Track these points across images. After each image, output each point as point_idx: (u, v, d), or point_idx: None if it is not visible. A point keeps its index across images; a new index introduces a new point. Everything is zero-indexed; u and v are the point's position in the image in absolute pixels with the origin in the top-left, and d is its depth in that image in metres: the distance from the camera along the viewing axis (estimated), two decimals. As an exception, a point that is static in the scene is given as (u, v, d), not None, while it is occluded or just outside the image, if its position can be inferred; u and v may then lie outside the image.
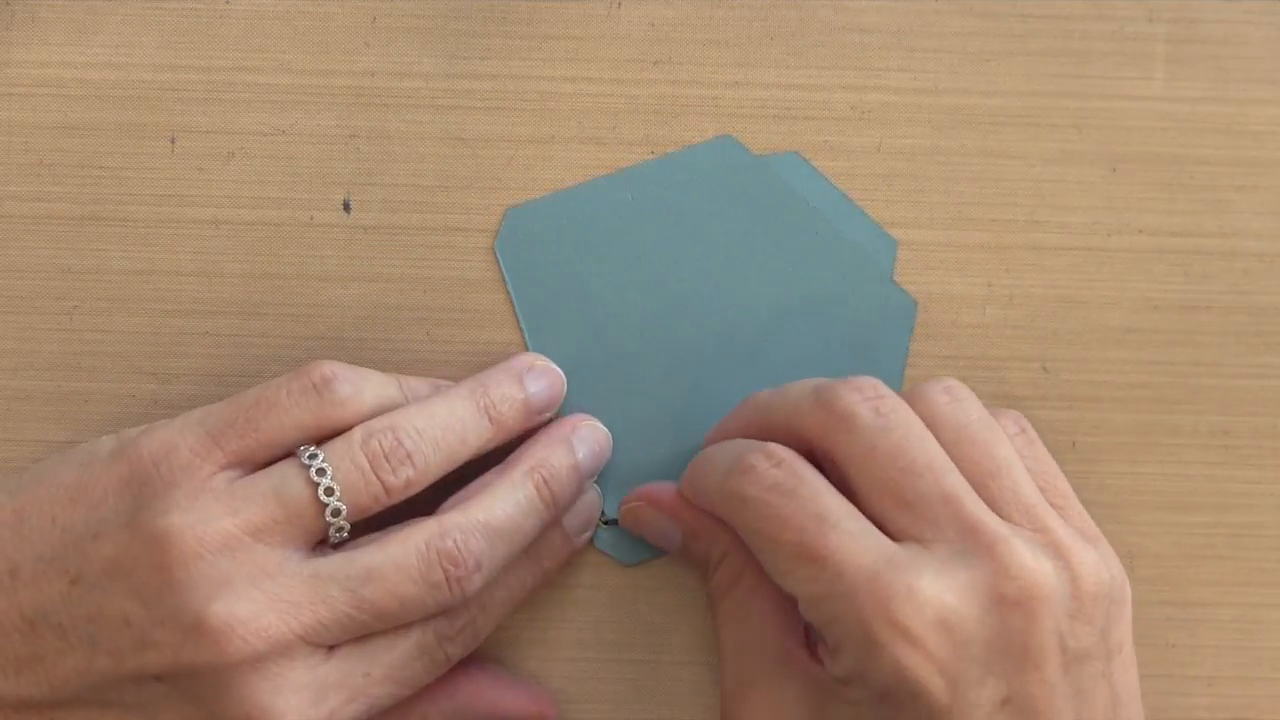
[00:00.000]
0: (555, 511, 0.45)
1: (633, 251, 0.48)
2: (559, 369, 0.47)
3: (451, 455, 0.44)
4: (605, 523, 0.48)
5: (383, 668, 0.42)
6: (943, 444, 0.42)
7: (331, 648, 0.42)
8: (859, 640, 0.39)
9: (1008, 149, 0.48)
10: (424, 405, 0.44)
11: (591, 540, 0.48)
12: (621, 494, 0.47)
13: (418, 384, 0.45)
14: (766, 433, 0.44)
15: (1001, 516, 0.41)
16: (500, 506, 0.43)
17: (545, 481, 0.44)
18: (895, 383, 0.48)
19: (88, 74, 0.48)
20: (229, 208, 0.48)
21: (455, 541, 0.42)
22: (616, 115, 0.48)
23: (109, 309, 0.48)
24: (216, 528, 0.40)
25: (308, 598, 0.41)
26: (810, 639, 0.44)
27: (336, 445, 0.42)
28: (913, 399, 0.43)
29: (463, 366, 0.48)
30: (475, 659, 0.46)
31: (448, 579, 0.42)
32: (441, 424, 0.43)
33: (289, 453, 0.42)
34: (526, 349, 0.48)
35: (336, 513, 0.42)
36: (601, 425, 0.47)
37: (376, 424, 0.43)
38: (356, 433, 0.42)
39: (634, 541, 0.48)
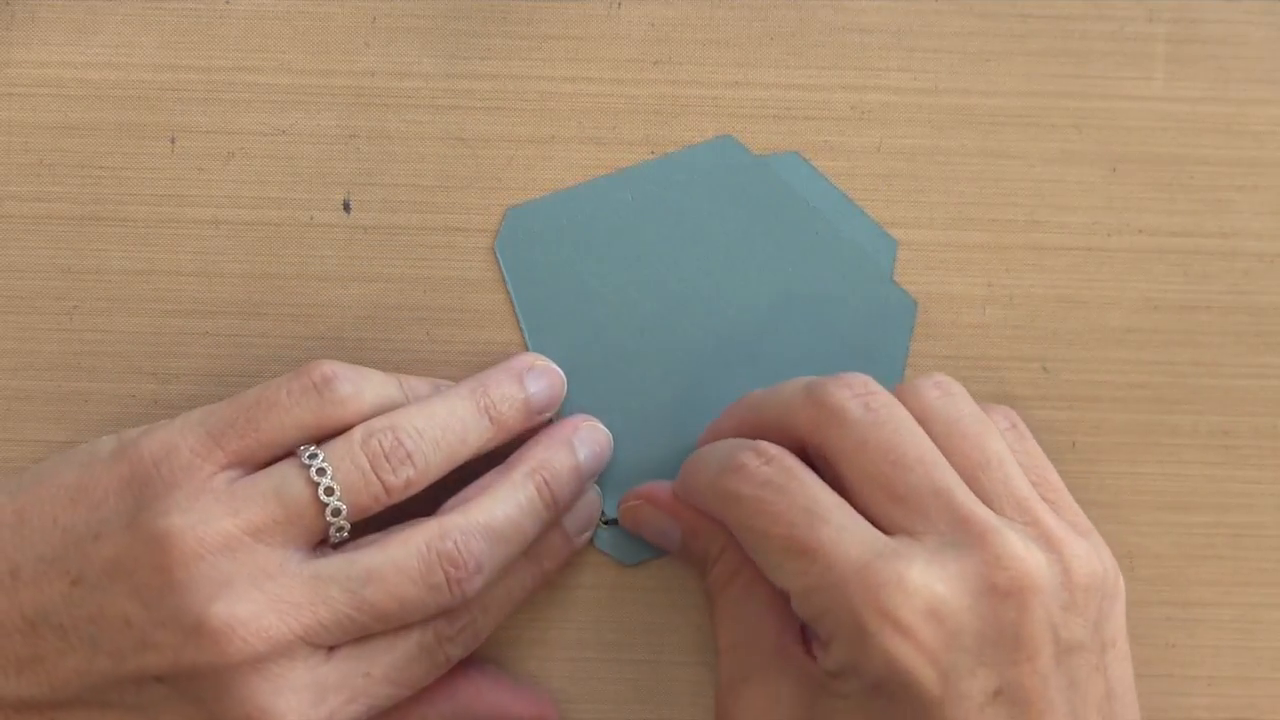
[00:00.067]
0: (556, 513, 0.45)
1: (633, 251, 0.48)
2: (559, 369, 0.47)
3: (452, 455, 0.44)
4: (605, 523, 0.48)
5: (383, 668, 0.43)
6: (934, 438, 0.42)
7: (332, 648, 0.42)
8: (850, 631, 0.39)
9: (1008, 149, 0.48)
10: (424, 405, 0.44)
11: (591, 540, 0.48)
12: (621, 494, 0.47)
13: (418, 384, 0.45)
14: (759, 431, 0.44)
15: (993, 509, 0.41)
16: (501, 508, 0.43)
17: (546, 483, 0.44)
18: (896, 383, 0.47)
19: (88, 74, 0.48)
20: (229, 208, 0.48)
21: (456, 543, 0.42)
22: (616, 115, 0.48)
23: (109, 309, 0.48)
24: (217, 528, 0.40)
25: (308, 599, 0.41)
26: (805, 635, 0.44)
27: (337, 445, 0.42)
28: (904, 394, 0.43)
29: (463, 366, 0.48)
30: (475, 661, 0.46)
31: (448, 580, 0.42)
32: (442, 424, 0.43)
33: (289, 452, 0.42)
34: (526, 349, 0.48)
35: (337, 513, 0.42)
36: (603, 426, 0.47)
37: (377, 424, 0.43)
38: (357, 432, 0.42)
39: (634, 541, 0.48)
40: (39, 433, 0.48)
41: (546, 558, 0.46)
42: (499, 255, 0.48)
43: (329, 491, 0.41)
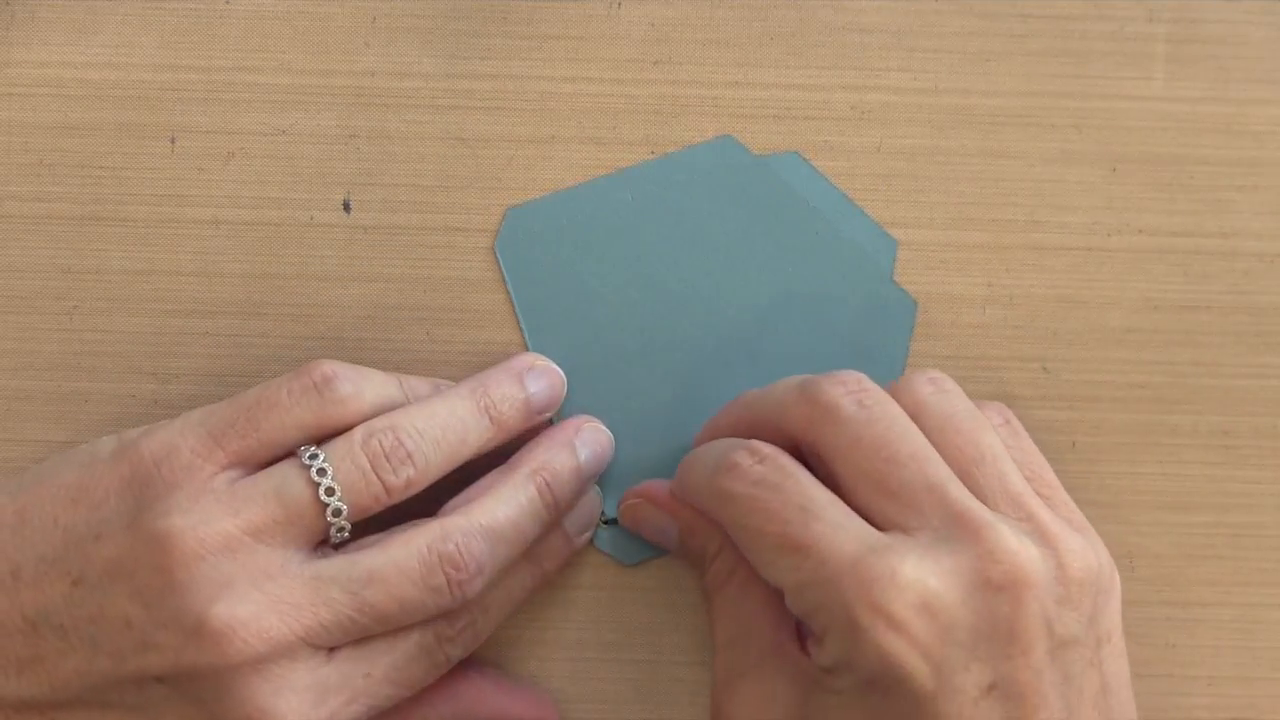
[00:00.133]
0: (557, 514, 0.45)
1: (633, 251, 0.48)
2: (559, 369, 0.47)
3: (452, 455, 0.44)
4: (605, 522, 0.48)
5: (383, 669, 0.43)
6: (927, 433, 0.42)
7: (332, 649, 0.42)
8: (843, 626, 0.39)
9: (1008, 149, 0.48)
10: (424, 405, 0.44)
11: (591, 540, 0.48)
12: (622, 494, 0.47)
13: (418, 383, 0.45)
14: (753, 430, 0.44)
15: (987, 505, 0.41)
16: (502, 509, 0.43)
17: (548, 484, 0.44)
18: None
19: (88, 74, 0.48)
20: (229, 208, 0.48)
21: (457, 545, 0.42)
22: (616, 115, 0.48)
23: (109, 309, 0.48)
24: (218, 529, 0.40)
25: (309, 600, 0.41)
26: (801, 633, 0.44)
27: (337, 445, 0.42)
28: (898, 390, 0.43)
29: (463, 366, 0.48)
30: (476, 663, 0.47)
31: (449, 582, 0.42)
32: (442, 424, 0.43)
33: (290, 452, 0.42)
34: (526, 349, 0.48)
35: (337, 513, 0.42)
36: (604, 427, 0.47)
37: (377, 424, 0.43)
38: (357, 433, 0.42)
39: (634, 541, 0.48)
40: (39, 433, 0.48)
41: (547, 558, 0.46)
42: (499, 255, 0.48)
43: (329, 492, 0.41)
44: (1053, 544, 0.40)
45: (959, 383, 0.44)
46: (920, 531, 0.40)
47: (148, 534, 0.40)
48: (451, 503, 0.44)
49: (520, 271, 0.48)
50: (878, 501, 0.41)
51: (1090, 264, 0.48)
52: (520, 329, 0.48)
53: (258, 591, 0.40)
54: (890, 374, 0.48)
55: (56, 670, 0.41)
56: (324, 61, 0.48)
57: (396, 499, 0.42)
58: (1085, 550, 0.41)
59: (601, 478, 0.47)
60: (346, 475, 0.42)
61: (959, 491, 0.41)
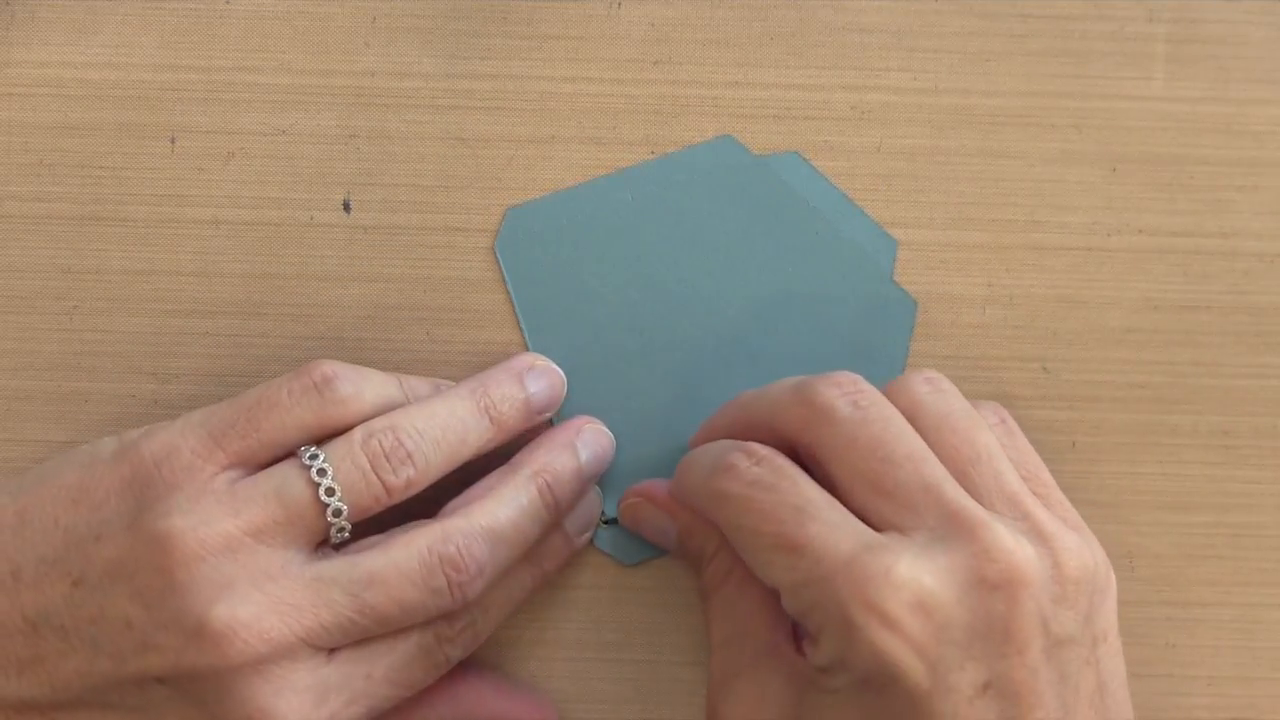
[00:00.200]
0: (558, 515, 0.45)
1: (633, 251, 0.48)
2: (559, 369, 0.47)
3: (452, 455, 0.44)
4: (605, 522, 0.48)
5: (384, 669, 0.43)
6: (923, 433, 0.42)
7: (332, 650, 0.42)
8: (838, 625, 0.39)
9: (1008, 149, 0.48)
10: (424, 405, 0.44)
11: (592, 540, 0.48)
12: (622, 494, 0.47)
13: (418, 384, 0.45)
14: (749, 431, 0.44)
15: (983, 504, 0.41)
16: (503, 511, 0.43)
17: (549, 486, 0.44)
18: (895, 383, 0.48)
19: (88, 74, 0.48)
20: (229, 208, 0.48)
21: (458, 547, 0.42)
22: (616, 115, 0.48)
23: (109, 309, 0.48)
24: (218, 529, 0.40)
25: (310, 601, 0.41)
26: (797, 634, 0.44)
27: (337, 445, 0.42)
28: (893, 390, 0.43)
29: (463, 366, 0.48)
30: (476, 665, 0.47)
31: (449, 584, 0.42)
32: (442, 424, 0.43)
33: (290, 453, 0.42)
34: (526, 349, 0.48)
35: (338, 513, 0.42)
36: (605, 428, 0.47)
37: (377, 424, 0.43)
38: (357, 433, 0.42)
39: (634, 541, 0.48)
40: (39, 433, 0.48)
41: (547, 558, 0.46)
42: (499, 255, 0.48)
43: (330, 492, 0.41)
44: (1049, 543, 0.40)
45: (959, 382, 0.44)
46: (916, 531, 0.40)
47: (148, 535, 0.40)
48: (452, 504, 0.44)
49: (520, 271, 0.48)
50: (873, 502, 0.41)
51: (1090, 264, 0.48)
52: (520, 329, 0.48)
53: (258, 592, 0.40)
54: (890, 374, 0.48)
55: (57, 671, 0.41)
56: (324, 61, 0.48)
57: (397, 499, 0.42)
58: (1081, 549, 0.41)
59: (601, 478, 0.47)
60: (347, 475, 0.42)
61: (955, 491, 0.41)
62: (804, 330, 0.48)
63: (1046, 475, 0.44)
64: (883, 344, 0.48)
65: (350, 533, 0.42)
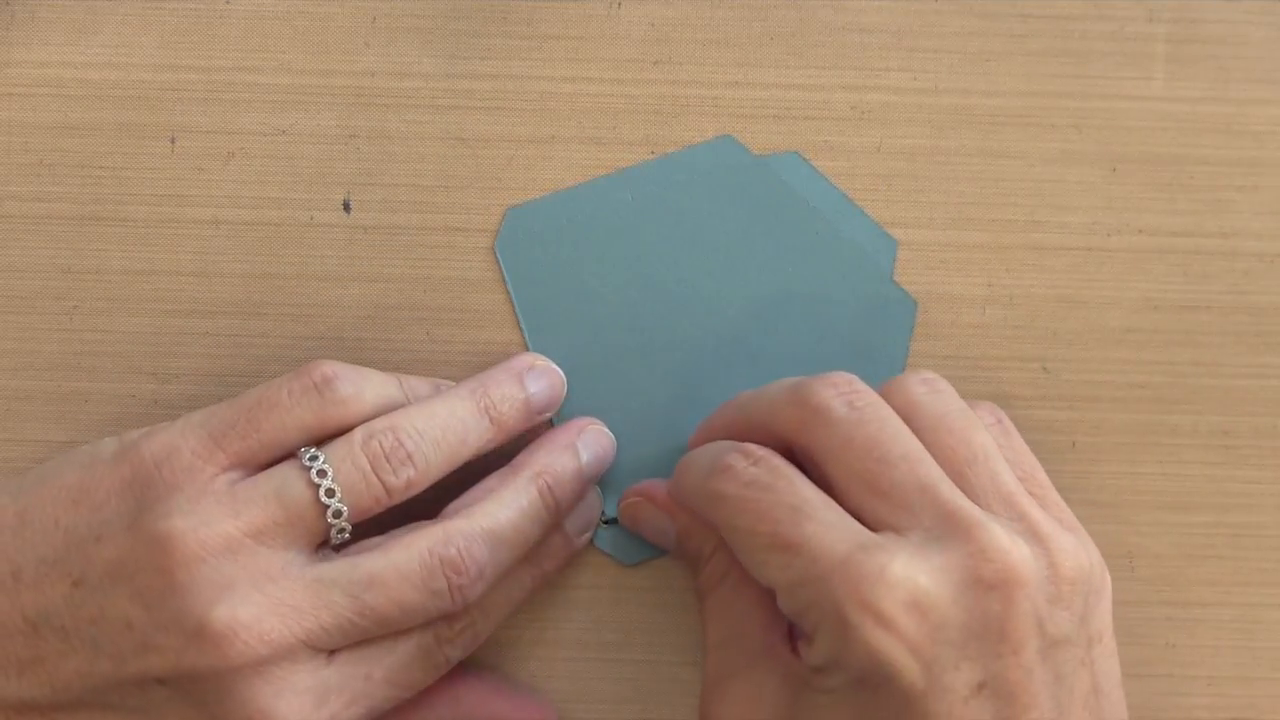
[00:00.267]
0: (558, 517, 0.45)
1: (633, 251, 0.48)
2: (559, 369, 0.47)
3: (452, 455, 0.44)
4: (605, 522, 0.48)
5: (384, 670, 0.43)
6: (919, 433, 0.42)
7: (332, 651, 0.42)
8: (833, 624, 0.39)
9: (1008, 149, 0.48)
10: (424, 405, 0.44)
11: (592, 540, 0.48)
12: (622, 494, 0.47)
13: (418, 384, 0.45)
14: (746, 432, 0.44)
15: (979, 505, 0.41)
16: (504, 513, 0.43)
17: (549, 488, 0.45)
18: (895, 383, 0.48)
19: (88, 74, 0.48)
20: (229, 208, 0.48)
21: (459, 549, 0.42)
22: (616, 115, 0.48)
23: (109, 309, 0.48)
24: (218, 530, 0.40)
25: (310, 603, 0.41)
26: (792, 635, 0.44)
27: (337, 446, 0.42)
28: (890, 391, 0.43)
29: (463, 366, 0.48)
30: (476, 667, 0.47)
31: (450, 586, 0.42)
32: (442, 424, 0.43)
33: (290, 453, 0.42)
34: (526, 349, 0.48)
35: (338, 514, 0.42)
36: (606, 429, 0.47)
37: (377, 425, 0.43)
38: (357, 434, 0.42)
39: (634, 541, 0.48)
40: (39, 433, 0.48)
41: (547, 559, 0.46)
42: (499, 255, 0.48)
43: (330, 493, 0.41)
44: (1044, 543, 0.40)
45: (959, 383, 0.44)
46: (912, 531, 0.40)
47: (149, 536, 0.40)
48: (453, 505, 0.44)
49: (520, 271, 0.48)
50: (869, 502, 0.41)
51: (1090, 264, 0.48)
52: (520, 329, 0.48)
53: (259, 594, 0.40)
54: (890, 374, 0.47)
55: (57, 671, 0.41)
56: (324, 61, 0.48)
57: (397, 500, 0.42)
58: (1077, 550, 0.41)
59: (602, 478, 0.47)
60: (347, 476, 0.42)
61: (950, 491, 0.40)
62: (804, 330, 0.48)
63: (1043, 476, 0.44)
64: (883, 344, 0.48)
65: (350, 534, 0.42)
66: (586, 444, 0.46)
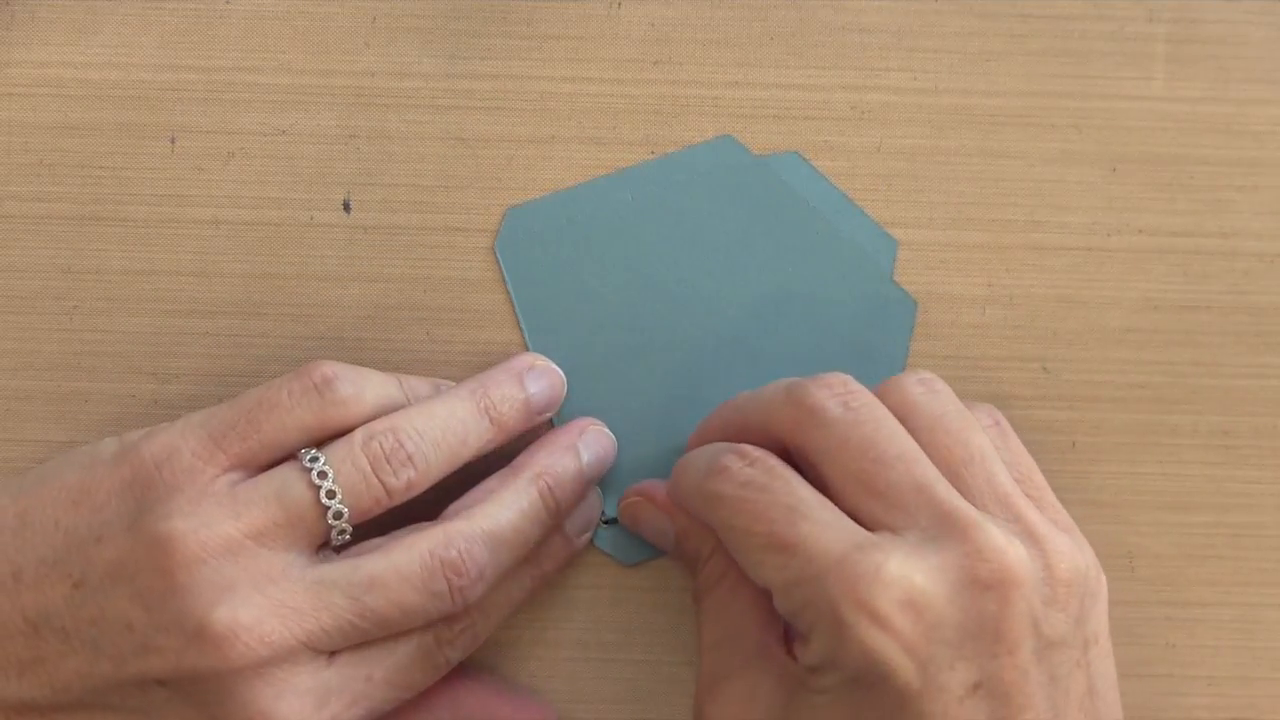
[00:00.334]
0: (559, 518, 0.45)
1: (633, 251, 0.48)
2: (559, 369, 0.47)
3: (452, 456, 0.44)
4: (605, 522, 0.48)
5: (384, 671, 0.43)
6: (916, 433, 0.42)
7: (333, 653, 0.42)
8: (828, 623, 0.39)
9: (1008, 149, 0.48)
10: (424, 406, 0.44)
11: (592, 540, 0.48)
12: (622, 494, 0.47)
13: (418, 384, 0.45)
14: (743, 433, 0.44)
15: (975, 506, 0.41)
16: (504, 515, 0.43)
17: (550, 489, 0.45)
18: (895, 383, 0.47)
19: (88, 74, 0.48)
20: (229, 208, 0.48)
21: (459, 551, 0.42)
22: (616, 115, 0.48)
23: (109, 309, 0.48)
24: (219, 532, 0.40)
25: (311, 604, 0.41)
26: (788, 637, 0.44)
27: (338, 448, 0.42)
28: (886, 391, 0.43)
29: (463, 366, 0.48)
30: (477, 670, 0.47)
31: (450, 588, 0.42)
32: (442, 425, 0.43)
33: (291, 454, 0.42)
34: (526, 349, 0.48)
35: (338, 515, 0.42)
36: (607, 430, 0.47)
37: (377, 426, 0.43)
38: (357, 435, 0.42)
39: (634, 541, 0.48)
40: (39, 433, 0.48)
41: (546, 559, 0.46)
42: (499, 255, 0.48)
43: (330, 494, 0.41)
44: (1040, 545, 0.40)
45: (959, 383, 0.44)
46: (908, 531, 0.40)
47: (149, 537, 0.40)
48: (453, 506, 0.44)
49: (520, 271, 0.48)
50: (865, 502, 0.41)
51: (1090, 264, 0.48)
52: (520, 329, 0.48)
53: (259, 595, 0.40)
54: (890, 374, 0.47)
55: (57, 672, 0.41)
56: (324, 61, 0.48)
57: (397, 501, 0.42)
58: (1073, 552, 0.41)
59: (602, 478, 0.47)
60: (347, 478, 0.42)
61: (947, 491, 0.40)
62: (804, 330, 0.48)
63: (1040, 478, 0.44)
64: (882, 344, 0.48)
65: (351, 535, 0.42)
66: (587, 444, 0.46)
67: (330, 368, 0.43)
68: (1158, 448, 0.48)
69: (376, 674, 0.42)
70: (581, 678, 0.48)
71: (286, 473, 0.42)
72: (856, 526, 0.40)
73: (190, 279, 0.48)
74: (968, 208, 0.48)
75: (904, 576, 0.39)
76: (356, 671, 0.42)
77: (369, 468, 0.42)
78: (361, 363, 0.44)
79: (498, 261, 0.48)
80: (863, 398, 0.42)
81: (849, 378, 0.43)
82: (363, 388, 0.43)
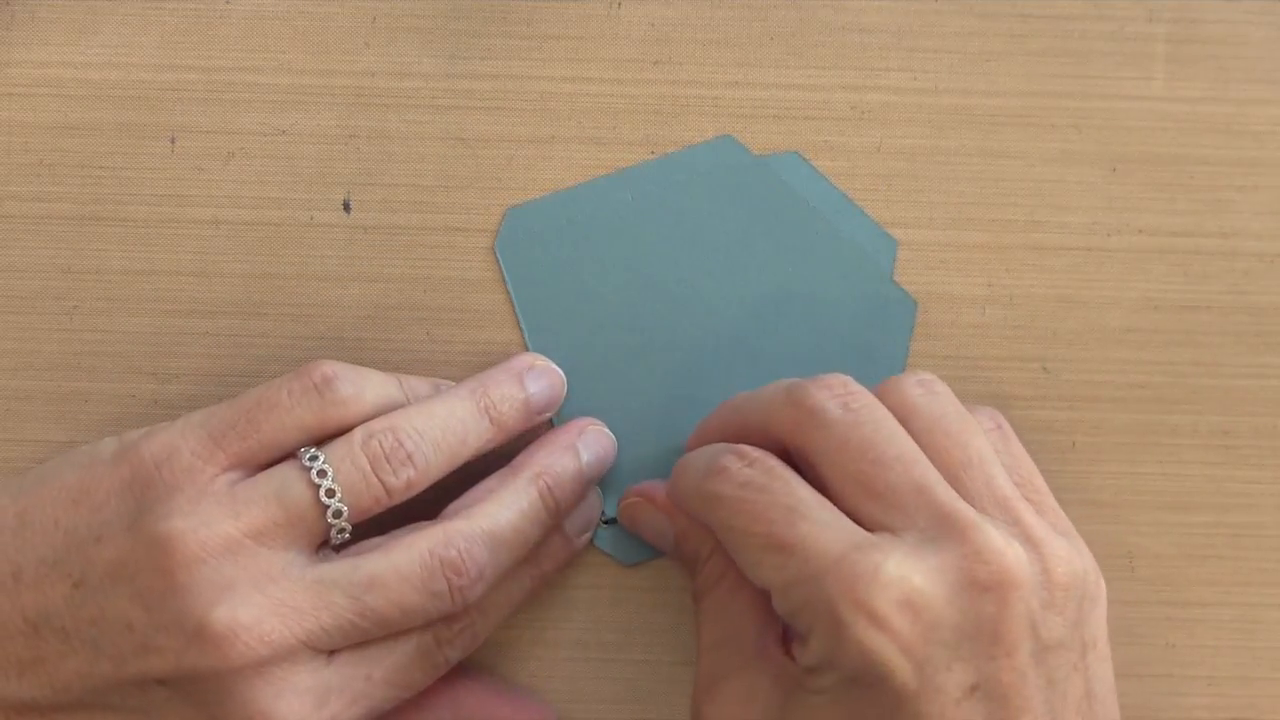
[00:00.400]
0: (558, 518, 0.45)
1: (633, 251, 0.48)
2: (559, 369, 0.47)
3: (452, 456, 0.44)
4: (605, 522, 0.48)
5: (384, 671, 0.43)
6: (915, 435, 0.42)
7: (332, 652, 0.42)
8: (826, 623, 0.39)
9: (1008, 149, 0.48)
10: (424, 406, 0.44)
11: (591, 540, 0.48)
12: (622, 494, 0.47)
13: (418, 384, 0.45)
14: (742, 434, 0.44)
15: (974, 508, 0.41)
16: (504, 514, 0.43)
17: (550, 489, 0.44)
18: (895, 383, 0.47)
19: (88, 74, 0.48)
20: (229, 208, 0.48)
21: (459, 551, 0.42)
22: (616, 115, 0.48)
23: (109, 309, 0.48)
24: (218, 531, 0.40)
25: (311, 604, 0.41)
26: (786, 638, 0.44)
27: (337, 447, 0.42)
28: (886, 391, 0.43)
29: (463, 366, 0.48)
30: (476, 670, 0.47)
31: (450, 588, 0.42)
32: (441, 424, 0.43)
33: (290, 454, 0.42)
34: (526, 349, 0.48)
35: (338, 514, 0.42)
36: (607, 430, 0.47)
37: (377, 425, 0.43)
38: (357, 434, 0.42)
39: (633, 541, 0.48)
40: (39, 433, 0.48)
41: (546, 559, 0.46)
42: (499, 255, 0.48)
43: (330, 494, 0.41)
44: (1038, 548, 0.40)
45: (959, 383, 0.44)
46: (907, 532, 0.40)
47: (149, 536, 0.40)
48: (453, 506, 0.44)
49: (520, 271, 0.48)
50: (865, 503, 0.41)
51: (1090, 264, 0.48)
52: (520, 329, 0.48)
53: (259, 594, 0.40)
54: (890, 374, 0.47)
55: (58, 672, 0.41)
56: (324, 61, 0.48)
57: (397, 500, 0.42)
58: (1071, 556, 0.41)
59: (602, 478, 0.47)
60: (347, 477, 0.42)
61: (946, 493, 0.40)
62: (804, 330, 0.48)
63: (1040, 481, 0.44)
64: (882, 344, 0.48)
65: (350, 534, 0.42)
66: (587, 444, 0.46)
67: (330, 367, 0.43)
68: (1158, 448, 0.48)
69: (376, 673, 0.42)
70: (581, 678, 0.48)
71: (286, 472, 0.42)
72: (855, 527, 0.40)
73: (190, 279, 0.48)
74: (968, 208, 0.48)
75: (902, 577, 0.39)
76: (356, 671, 0.42)
77: (368, 467, 0.42)
78: (361, 363, 0.44)
79: (498, 262, 0.48)
80: (862, 399, 0.42)
81: (849, 379, 0.43)
82: (362, 387, 0.43)
